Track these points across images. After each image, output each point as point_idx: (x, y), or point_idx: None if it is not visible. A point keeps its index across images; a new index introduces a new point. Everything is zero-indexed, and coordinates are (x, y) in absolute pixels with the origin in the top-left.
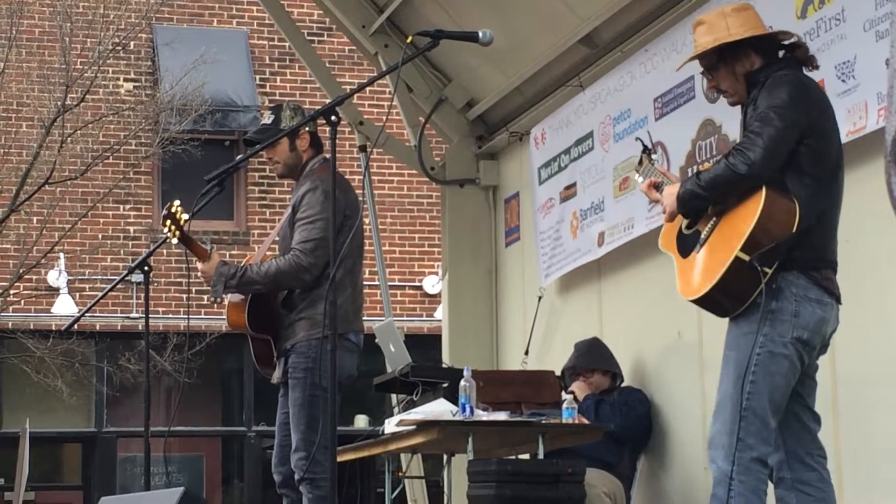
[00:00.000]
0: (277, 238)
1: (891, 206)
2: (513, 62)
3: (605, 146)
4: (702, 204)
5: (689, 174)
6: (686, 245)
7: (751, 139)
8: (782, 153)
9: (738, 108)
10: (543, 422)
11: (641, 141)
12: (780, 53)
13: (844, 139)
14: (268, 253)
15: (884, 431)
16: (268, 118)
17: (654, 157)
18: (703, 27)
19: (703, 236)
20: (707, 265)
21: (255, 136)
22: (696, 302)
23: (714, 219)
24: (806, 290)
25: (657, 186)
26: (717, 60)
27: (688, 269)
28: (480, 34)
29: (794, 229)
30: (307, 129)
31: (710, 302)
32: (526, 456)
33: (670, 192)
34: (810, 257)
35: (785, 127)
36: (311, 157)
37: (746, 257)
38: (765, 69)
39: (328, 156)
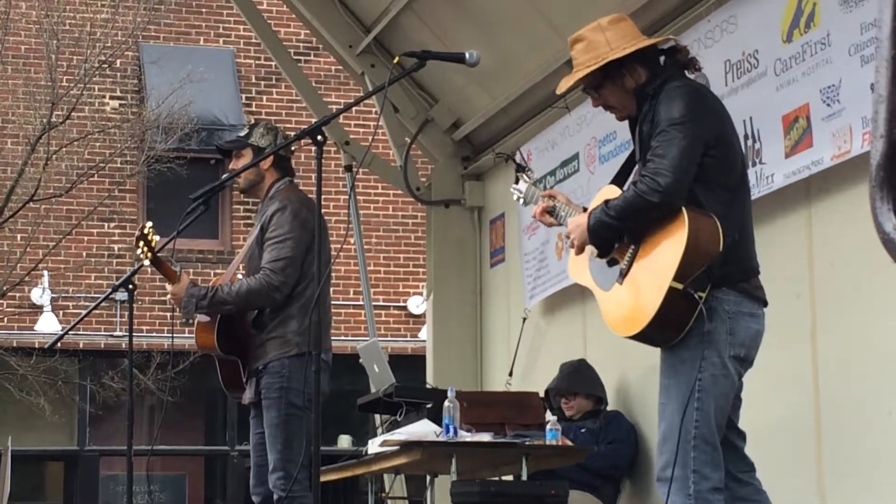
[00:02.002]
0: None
1: (875, 230)
2: (499, 83)
3: (591, 168)
4: (613, 234)
5: None
6: (603, 275)
7: (656, 163)
8: (691, 171)
9: None
10: (527, 443)
11: (512, 159)
12: (662, 60)
13: (829, 163)
14: (236, 274)
15: (867, 454)
16: (243, 132)
17: (529, 174)
18: (581, 45)
19: (622, 267)
20: (637, 298)
21: (224, 143)
22: (632, 338)
23: (632, 247)
24: (738, 305)
25: (551, 211)
26: (603, 78)
27: (614, 303)
28: (467, 55)
29: (721, 247)
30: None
31: (647, 336)
32: (510, 477)
33: (578, 223)
34: (738, 270)
35: (689, 143)
36: (276, 178)
37: (680, 286)
38: (652, 80)
39: (295, 179)
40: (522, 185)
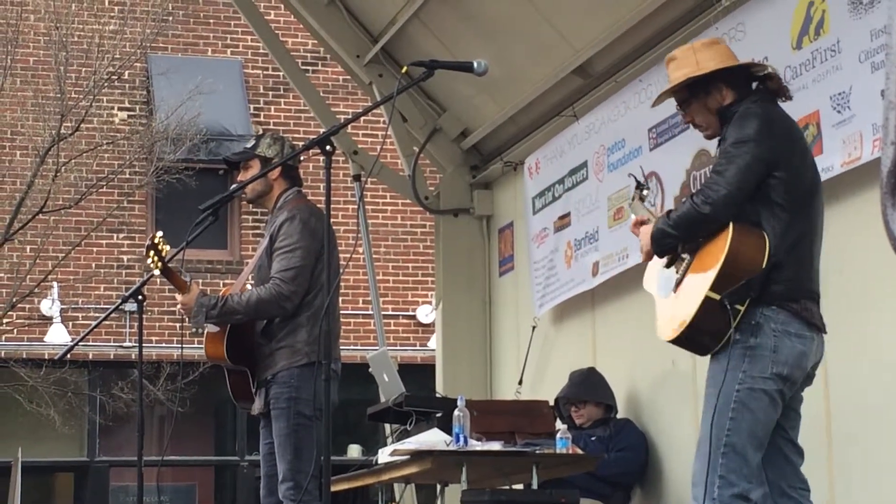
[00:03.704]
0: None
1: (886, 236)
2: (507, 92)
3: (600, 176)
4: (673, 243)
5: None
6: (665, 284)
7: (714, 178)
8: (746, 189)
9: None
10: (537, 452)
11: (634, 177)
12: (754, 85)
13: (839, 170)
14: (245, 284)
15: (878, 461)
16: (250, 143)
17: (645, 192)
18: (674, 63)
19: (677, 276)
20: (681, 306)
21: (231, 156)
22: (673, 342)
23: (687, 258)
24: (786, 325)
25: (643, 224)
26: (688, 95)
27: (665, 309)
28: (475, 64)
29: (764, 265)
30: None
31: (687, 342)
32: (520, 486)
33: (646, 231)
34: (787, 290)
35: (748, 163)
36: (285, 188)
37: (717, 296)
38: (737, 103)
39: (303, 189)
40: (638, 203)
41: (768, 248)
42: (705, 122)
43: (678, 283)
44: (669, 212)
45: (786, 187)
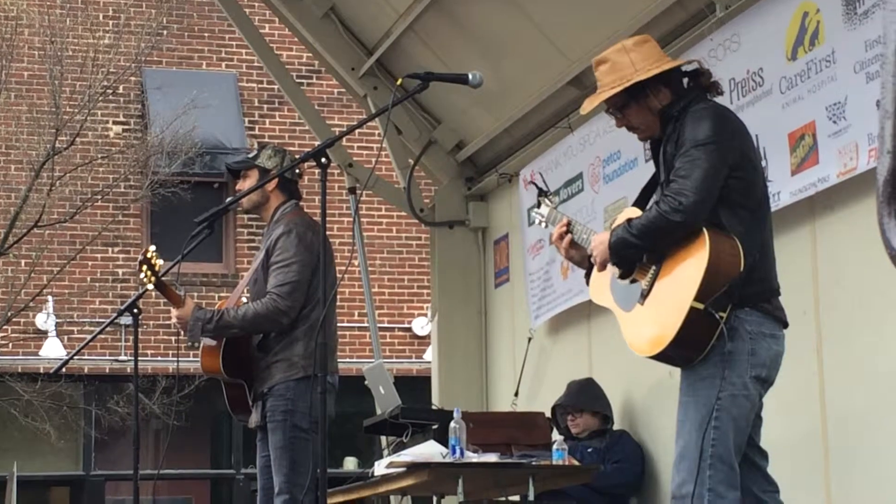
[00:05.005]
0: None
1: (883, 245)
2: (502, 104)
3: (595, 187)
4: (635, 253)
5: None
6: (624, 297)
7: (680, 183)
8: (714, 193)
9: None
10: (534, 463)
11: (535, 184)
12: (685, 82)
13: (835, 180)
14: (241, 297)
15: (874, 468)
16: (252, 153)
17: (552, 198)
18: (605, 66)
19: (643, 287)
20: (658, 318)
21: (232, 164)
22: (654, 358)
23: (653, 267)
24: (760, 326)
25: (569, 226)
26: (628, 98)
27: (635, 323)
28: (470, 76)
29: (742, 268)
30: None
31: (668, 356)
32: (516, 498)
33: (601, 240)
34: (760, 290)
35: (712, 165)
36: (282, 201)
37: (701, 306)
38: (676, 102)
39: (300, 202)
40: (545, 209)
41: (742, 250)
42: (644, 123)
43: (644, 294)
44: (630, 220)
45: (746, 188)
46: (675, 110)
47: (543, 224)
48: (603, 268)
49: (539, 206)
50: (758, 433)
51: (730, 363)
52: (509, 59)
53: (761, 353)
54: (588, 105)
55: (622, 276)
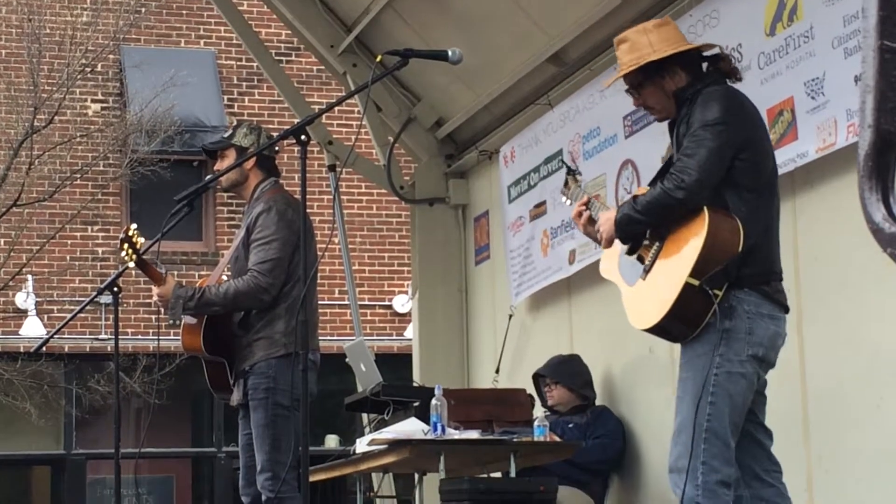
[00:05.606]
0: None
1: (864, 220)
2: (482, 81)
3: (575, 164)
4: (639, 229)
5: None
6: (630, 272)
7: (684, 162)
8: (717, 173)
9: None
10: (515, 440)
11: (565, 163)
12: (704, 67)
13: (814, 156)
14: (222, 275)
15: (854, 446)
16: (227, 132)
17: (578, 177)
18: (625, 45)
19: (646, 263)
20: (656, 293)
21: (207, 145)
22: (649, 331)
23: (657, 244)
24: (758, 307)
25: (587, 204)
26: (643, 78)
27: (635, 297)
28: (450, 53)
29: (740, 248)
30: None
31: (664, 330)
32: (498, 474)
33: (607, 217)
34: (760, 272)
35: (719, 146)
36: (261, 178)
37: (696, 282)
38: (692, 85)
39: (280, 179)
40: (573, 188)
41: (742, 231)
42: (660, 104)
43: (647, 269)
44: (636, 197)
45: (752, 170)
46: (690, 93)
47: (568, 202)
48: (609, 244)
49: (566, 184)
50: (762, 411)
51: (727, 340)
52: (489, 35)
53: (759, 332)
54: (607, 82)
55: (629, 252)
